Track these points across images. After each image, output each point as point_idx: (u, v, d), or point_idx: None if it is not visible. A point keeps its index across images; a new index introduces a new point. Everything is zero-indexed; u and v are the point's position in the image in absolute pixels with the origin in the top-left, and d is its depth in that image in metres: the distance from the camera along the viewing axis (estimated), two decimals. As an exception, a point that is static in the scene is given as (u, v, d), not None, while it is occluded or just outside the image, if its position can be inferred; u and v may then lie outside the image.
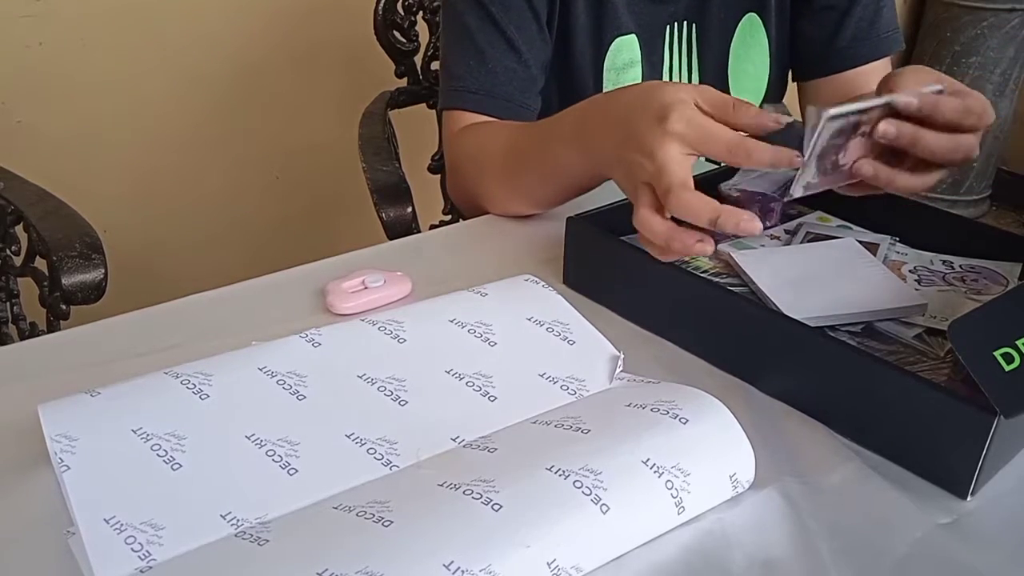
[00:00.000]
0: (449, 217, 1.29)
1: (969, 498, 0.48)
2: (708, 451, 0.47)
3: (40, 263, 0.88)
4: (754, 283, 0.64)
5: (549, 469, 0.44)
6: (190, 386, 0.50)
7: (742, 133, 0.56)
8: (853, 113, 0.57)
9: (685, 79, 0.94)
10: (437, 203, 1.29)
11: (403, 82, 1.28)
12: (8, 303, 0.98)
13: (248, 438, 0.48)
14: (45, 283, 0.85)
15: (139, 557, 0.41)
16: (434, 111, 1.25)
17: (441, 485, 0.43)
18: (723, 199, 0.75)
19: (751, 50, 0.94)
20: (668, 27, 0.91)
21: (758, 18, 0.93)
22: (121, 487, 0.44)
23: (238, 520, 0.43)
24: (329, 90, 1.64)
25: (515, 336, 0.58)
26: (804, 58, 0.95)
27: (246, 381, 0.52)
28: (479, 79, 0.83)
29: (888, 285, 0.64)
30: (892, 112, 0.59)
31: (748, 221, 0.52)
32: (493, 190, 0.81)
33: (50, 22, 1.33)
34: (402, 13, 1.24)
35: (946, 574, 0.44)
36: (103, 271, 0.81)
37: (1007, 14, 2.37)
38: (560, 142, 0.71)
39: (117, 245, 1.01)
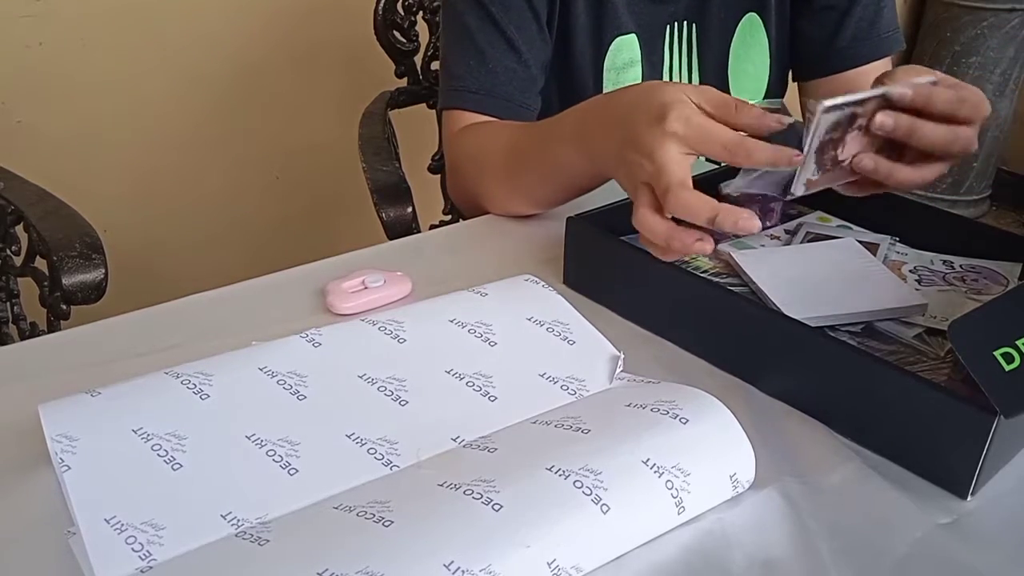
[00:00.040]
0: (449, 217, 1.29)
1: (969, 498, 0.48)
2: (708, 451, 0.47)
3: (40, 263, 0.88)
4: (754, 283, 0.65)
5: (549, 469, 0.44)
6: (190, 386, 0.50)
7: (742, 133, 0.56)
8: (849, 104, 0.57)
9: (685, 79, 0.94)
10: (437, 203, 1.29)
11: (403, 82, 1.28)
12: (8, 303, 0.98)
13: (248, 438, 0.48)
14: (45, 283, 0.85)
15: (139, 557, 0.41)
16: (434, 111, 1.25)
17: (441, 485, 0.43)
18: (723, 199, 0.75)
19: (751, 50, 0.94)
20: (668, 27, 0.91)
21: (758, 18, 0.93)
22: (121, 487, 0.44)
23: (238, 520, 0.43)
24: (329, 90, 1.64)
25: (515, 336, 0.58)
26: (804, 58, 0.95)
27: (246, 381, 0.52)
28: (479, 79, 0.83)
29: (888, 285, 0.64)
30: (887, 105, 0.59)
31: (747, 220, 0.52)
32: (493, 190, 0.81)
33: (50, 22, 1.33)
34: (402, 13, 1.24)
35: (946, 574, 0.44)
36: (103, 271, 0.81)
37: (1007, 14, 2.37)
38: (561, 142, 0.71)
39: (117, 245, 1.01)
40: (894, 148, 0.61)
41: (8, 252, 0.95)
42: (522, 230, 0.80)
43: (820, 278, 0.65)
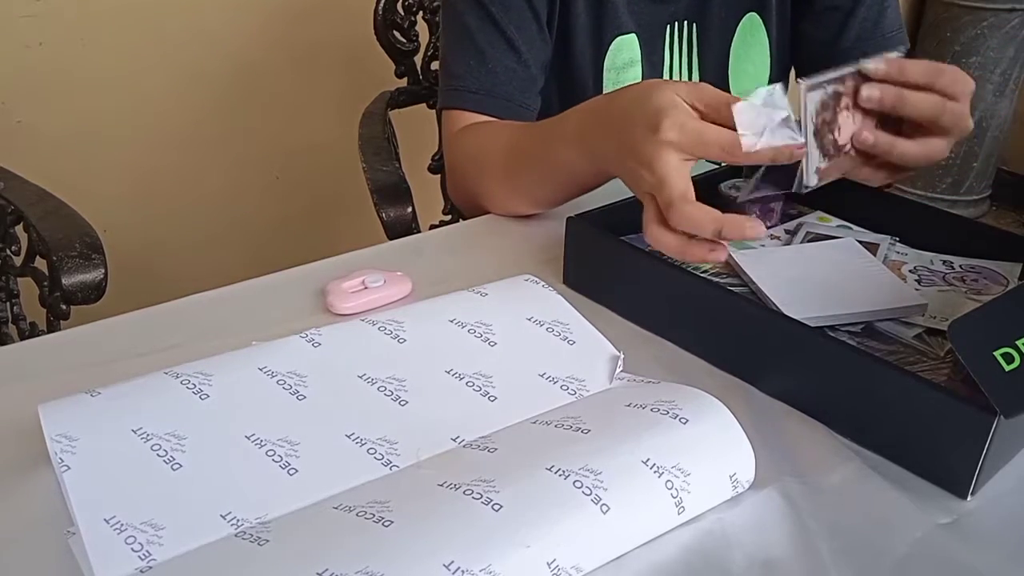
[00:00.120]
0: (449, 217, 1.29)
1: (969, 498, 0.48)
2: (708, 451, 0.47)
3: (40, 263, 0.88)
4: (754, 283, 0.64)
5: (549, 469, 0.44)
6: (190, 386, 0.50)
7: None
8: (829, 82, 0.59)
9: (685, 79, 0.94)
10: (437, 203, 1.29)
11: (403, 82, 1.28)
12: (8, 303, 0.98)
13: (248, 438, 0.48)
14: (45, 283, 0.85)
15: (139, 557, 0.41)
16: (434, 111, 1.25)
17: (441, 485, 0.43)
18: (723, 199, 0.75)
19: (751, 50, 0.94)
20: (668, 27, 0.91)
21: (758, 18, 0.93)
22: (121, 487, 0.44)
23: (238, 520, 0.43)
24: (329, 90, 1.64)
25: (515, 336, 0.58)
26: (808, 59, 0.95)
27: (246, 381, 0.52)
28: (479, 79, 0.83)
29: (888, 285, 0.64)
30: (867, 81, 0.61)
31: (753, 227, 0.53)
32: (494, 190, 0.81)
33: (50, 22, 1.33)
34: (402, 13, 1.24)
35: (946, 574, 0.44)
36: (103, 271, 0.81)
37: (1007, 14, 2.37)
38: (562, 142, 0.71)
39: (117, 245, 1.01)
40: (891, 128, 0.62)
41: (8, 252, 0.95)
42: (522, 230, 0.80)
43: (820, 278, 0.65)
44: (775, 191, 0.71)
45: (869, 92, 0.60)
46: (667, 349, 0.62)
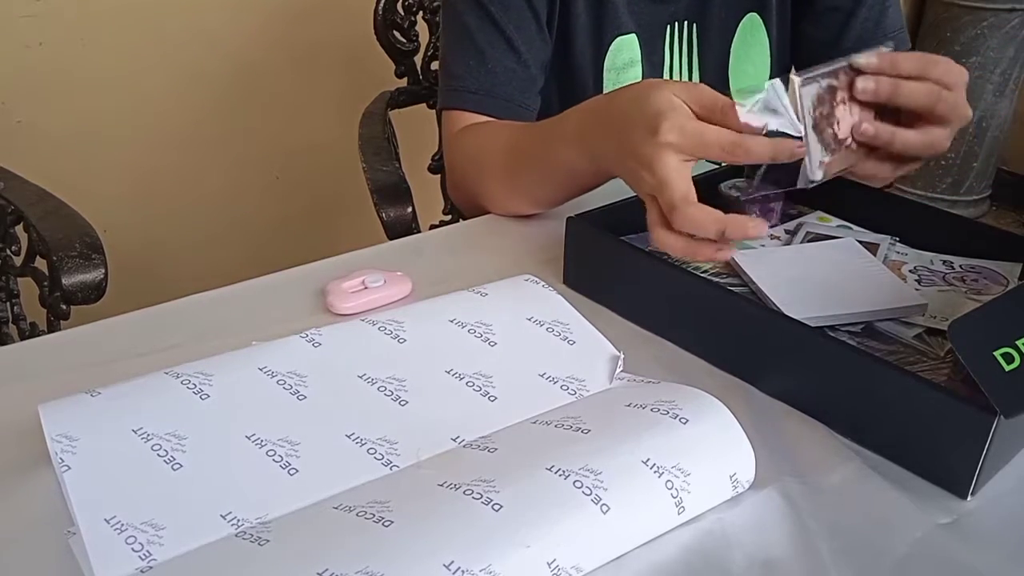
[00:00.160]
0: (449, 217, 1.29)
1: (969, 498, 0.48)
2: (708, 451, 0.47)
3: (40, 263, 0.88)
4: (754, 283, 0.64)
5: (549, 469, 0.44)
6: (190, 386, 0.50)
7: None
8: (822, 75, 0.59)
9: (685, 79, 0.94)
10: (437, 203, 1.29)
11: (403, 82, 1.28)
12: (8, 303, 0.98)
13: (248, 438, 0.48)
14: (45, 283, 0.85)
15: (139, 557, 0.41)
16: (434, 111, 1.25)
17: (441, 485, 0.43)
18: (724, 199, 0.75)
19: (751, 50, 0.94)
20: (668, 27, 0.91)
21: (759, 18, 0.93)
22: (121, 487, 0.44)
23: (238, 520, 0.43)
24: (329, 90, 1.64)
25: (515, 336, 0.58)
26: (809, 60, 0.95)
27: (246, 381, 0.52)
28: (479, 79, 0.83)
29: (888, 285, 0.64)
30: (859, 74, 0.61)
31: (755, 226, 0.54)
32: (494, 189, 0.81)
33: (50, 22, 1.33)
34: (402, 13, 1.24)
35: (946, 574, 0.44)
36: (103, 271, 0.81)
37: (1007, 14, 2.37)
38: (562, 142, 0.71)
39: (117, 245, 1.01)
40: (889, 120, 0.62)
41: (8, 252, 0.95)
42: (522, 230, 0.80)
43: (820, 278, 0.65)
44: (776, 190, 0.71)
45: (864, 84, 0.60)
46: (667, 349, 0.62)
